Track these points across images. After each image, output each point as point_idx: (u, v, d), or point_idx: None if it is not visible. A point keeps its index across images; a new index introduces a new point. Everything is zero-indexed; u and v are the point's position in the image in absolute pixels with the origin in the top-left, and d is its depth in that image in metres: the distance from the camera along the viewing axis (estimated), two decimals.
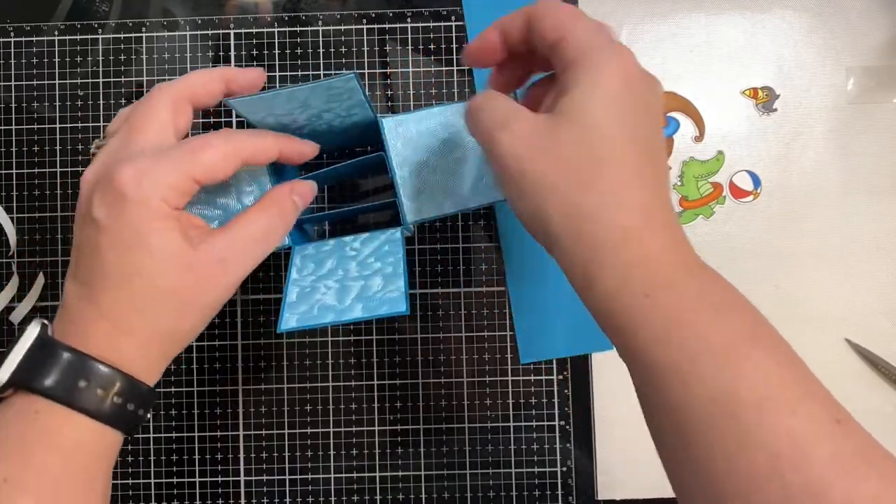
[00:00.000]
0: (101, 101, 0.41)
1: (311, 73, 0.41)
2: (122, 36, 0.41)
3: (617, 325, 0.24)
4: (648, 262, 0.23)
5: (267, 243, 0.29)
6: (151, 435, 0.40)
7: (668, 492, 0.24)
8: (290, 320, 0.30)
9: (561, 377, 0.40)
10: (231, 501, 0.40)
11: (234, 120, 0.41)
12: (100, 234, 0.26)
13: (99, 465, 0.26)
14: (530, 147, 0.25)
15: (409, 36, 0.41)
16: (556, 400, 0.40)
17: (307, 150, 0.31)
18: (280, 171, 0.35)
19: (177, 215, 0.27)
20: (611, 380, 0.40)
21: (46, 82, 0.41)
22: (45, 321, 0.27)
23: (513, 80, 0.30)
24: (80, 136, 0.41)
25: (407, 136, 0.33)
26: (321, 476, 0.40)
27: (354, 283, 0.31)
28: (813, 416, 0.20)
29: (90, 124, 0.41)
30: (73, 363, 0.25)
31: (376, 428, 0.40)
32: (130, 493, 0.39)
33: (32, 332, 0.26)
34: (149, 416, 0.26)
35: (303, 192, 0.31)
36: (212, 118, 0.41)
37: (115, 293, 0.26)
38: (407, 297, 0.29)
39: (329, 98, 0.30)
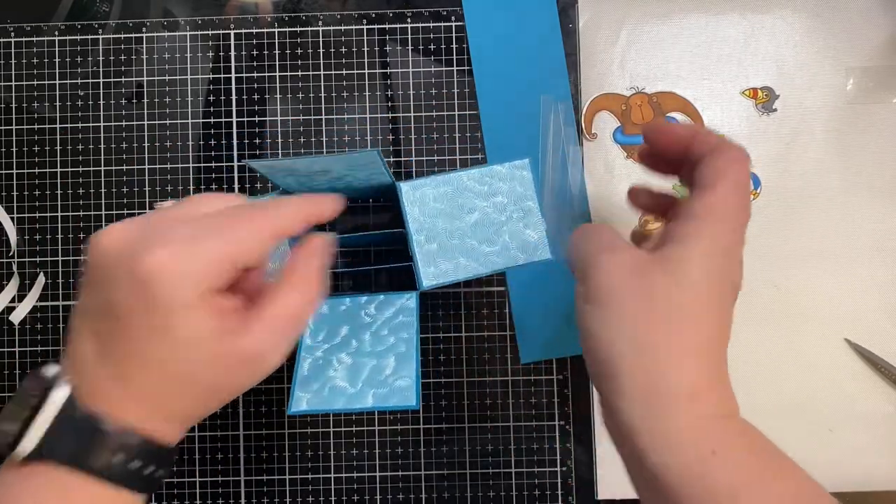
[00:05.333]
0: (101, 101, 0.41)
1: (311, 73, 0.41)
2: (122, 36, 0.41)
3: (666, 486, 0.23)
4: (705, 424, 0.23)
5: (299, 328, 0.27)
6: None
7: None
8: (300, 401, 0.30)
9: (561, 377, 0.40)
10: (231, 501, 0.40)
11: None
12: (130, 315, 0.25)
13: None
14: (625, 281, 0.25)
15: (409, 36, 0.41)
16: (556, 400, 0.40)
17: (335, 207, 0.29)
18: None
19: (209, 301, 0.25)
20: None
21: (46, 82, 0.41)
22: (70, 385, 0.25)
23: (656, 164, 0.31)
24: (80, 136, 0.41)
25: (423, 200, 0.33)
26: (321, 476, 0.40)
27: (367, 360, 0.31)
28: None
29: (90, 124, 0.41)
30: (91, 429, 0.25)
31: (376, 428, 0.40)
32: None
33: (60, 397, 0.25)
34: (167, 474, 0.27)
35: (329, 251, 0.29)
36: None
37: (141, 377, 0.25)
38: (418, 389, 0.30)
39: (349, 166, 0.31)
